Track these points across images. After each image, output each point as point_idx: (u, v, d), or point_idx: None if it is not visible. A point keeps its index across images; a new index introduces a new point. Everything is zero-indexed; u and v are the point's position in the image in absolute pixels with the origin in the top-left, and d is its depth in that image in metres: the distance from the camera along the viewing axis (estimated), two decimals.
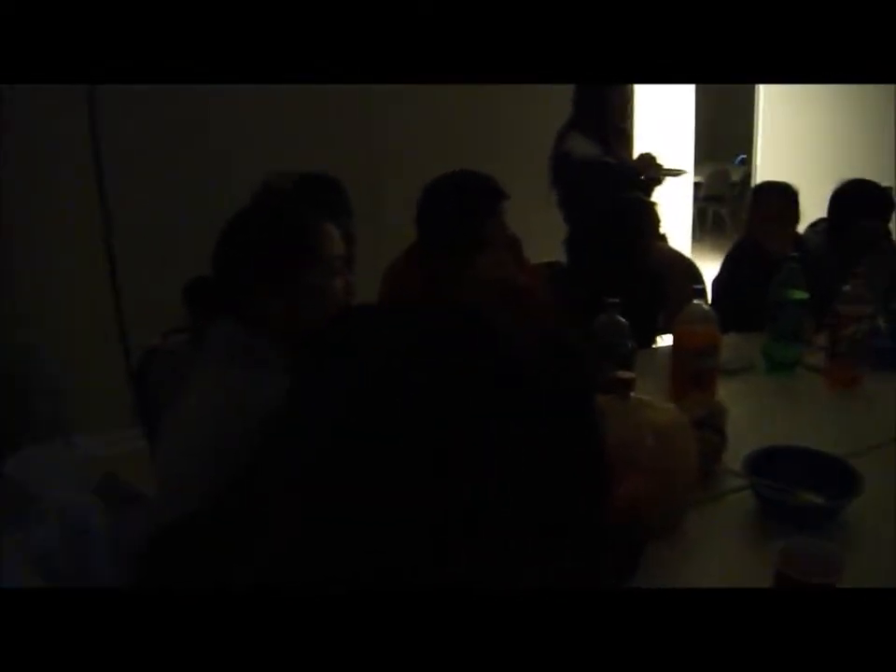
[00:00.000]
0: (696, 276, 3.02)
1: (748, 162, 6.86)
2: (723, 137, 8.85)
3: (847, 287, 2.30)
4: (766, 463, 1.69)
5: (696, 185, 7.49)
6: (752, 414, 2.13)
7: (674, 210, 5.81)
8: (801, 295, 2.35)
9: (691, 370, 1.98)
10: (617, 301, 1.90)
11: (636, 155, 3.72)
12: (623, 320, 1.91)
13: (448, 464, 0.64)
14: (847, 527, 1.60)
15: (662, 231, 2.89)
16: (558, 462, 0.68)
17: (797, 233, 3.19)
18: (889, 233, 3.43)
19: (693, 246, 6.72)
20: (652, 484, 1.38)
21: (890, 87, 5.03)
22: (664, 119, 5.75)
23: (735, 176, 8.86)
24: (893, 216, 3.38)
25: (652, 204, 2.91)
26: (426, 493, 0.64)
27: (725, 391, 2.12)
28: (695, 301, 2.00)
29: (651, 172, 3.38)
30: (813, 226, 3.49)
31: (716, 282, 3.12)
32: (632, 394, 1.52)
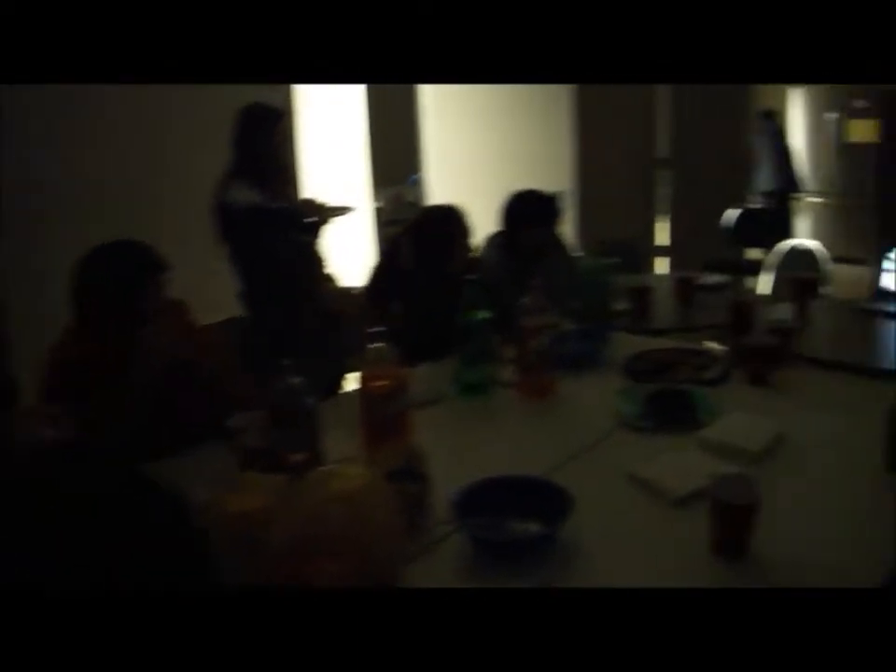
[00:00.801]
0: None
1: (420, 182, 6.96)
2: (398, 158, 8.95)
3: (526, 300, 2.29)
4: (476, 498, 1.59)
5: (378, 210, 7.48)
6: (457, 445, 2.05)
7: (357, 240, 5.76)
8: (483, 314, 2.31)
9: (380, 416, 1.86)
10: (289, 362, 1.73)
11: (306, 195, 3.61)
12: (298, 380, 1.74)
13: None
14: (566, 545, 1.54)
15: (329, 271, 2.78)
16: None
17: (473, 251, 3.18)
18: (559, 238, 3.53)
19: None
20: (348, 560, 1.24)
21: (558, 94, 5.24)
22: (335, 147, 5.69)
23: (411, 197, 8.99)
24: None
25: (314, 246, 2.79)
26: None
27: (423, 426, 2.01)
28: (374, 345, 1.88)
29: (317, 214, 3.26)
30: (490, 240, 3.52)
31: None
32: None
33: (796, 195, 8.45)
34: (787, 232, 7.66)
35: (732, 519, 1.49)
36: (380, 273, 3.05)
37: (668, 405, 2.15)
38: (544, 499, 1.59)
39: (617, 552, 1.55)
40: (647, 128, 6.03)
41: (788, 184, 8.06)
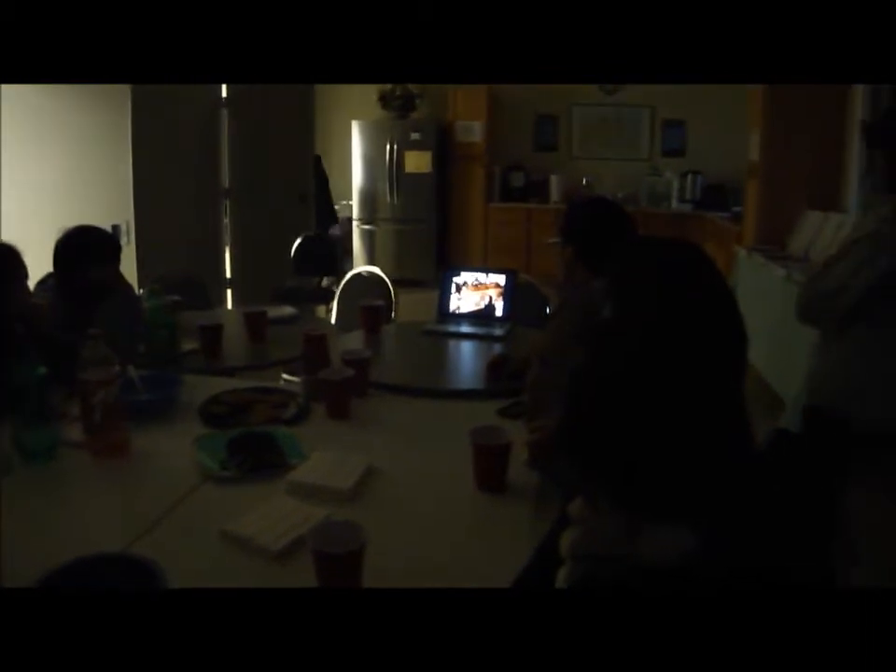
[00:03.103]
0: None
1: None
2: None
3: (85, 352, 2.07)
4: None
5: None
6: (25, 526, 1.73)
7: None
8: (39, 371, 2.05)
9: None
10: None
11: None
12: None
13: None
14: None
15: None
16: None
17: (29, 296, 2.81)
18: (119, 277, 3.29)
19: None
20: None
21: (117, 123, 4.91)
22: None
23: None
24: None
25: None
26: None
27: None
28: None
29: None
30: (41, 283, 3.20)
31: None
32: None
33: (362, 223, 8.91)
34: (350, 259, 7.96)
35: (335, 568, 1.44)
36: None
37: (252, 450, 2.06)
38: (134, 577, 1.42)
39: None
40: (213, 157, 5.92)
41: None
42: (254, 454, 2.04)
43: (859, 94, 4.66)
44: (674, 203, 9.18)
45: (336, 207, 9.36)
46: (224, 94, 6.01)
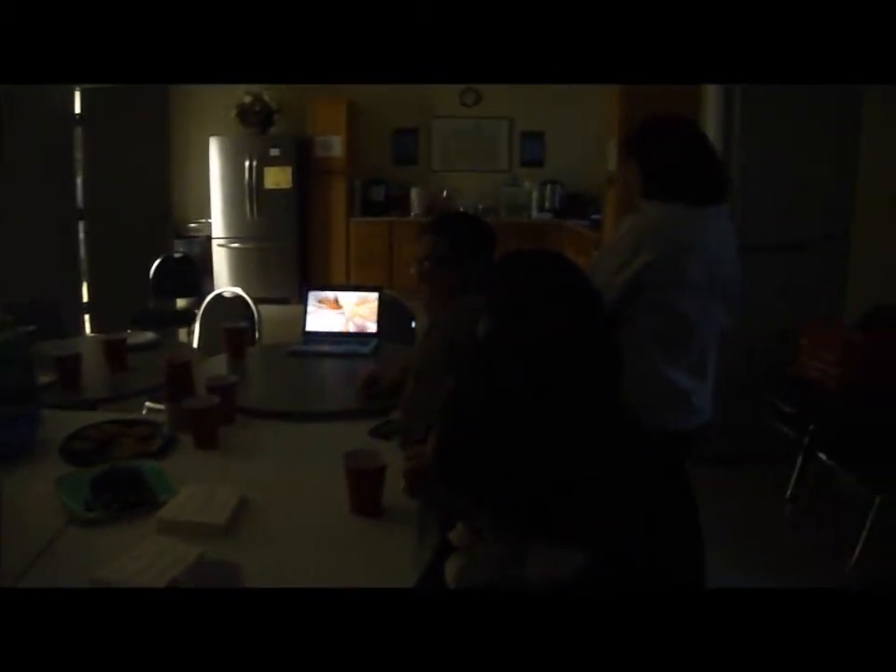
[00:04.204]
0: None
1: None
2: None
3: None
4: None
5: None
6: None
7: None
8: None
9: None
10: None
11: None
12: None
13: None
14: None
15: None
16: None
17: None
18: None
19: None
20: None
21: None
22: None
23: None
24: None
25: None
26: None
27: None
28: None
29: None
30: None
31: None
32: None
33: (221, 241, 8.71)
34: (211, 280, 7.78)
35: None
36: None
37: (118, 488, 1.98)
38: None
39: None
40: (66, 176, 5.69)
41: None
42: (121, 492, 1.97)
43: (711, 101, 4.81)
44: (534, 213, 9.41)
45: (193, 226, 9.19)
46: (77, 111, 5.80)
